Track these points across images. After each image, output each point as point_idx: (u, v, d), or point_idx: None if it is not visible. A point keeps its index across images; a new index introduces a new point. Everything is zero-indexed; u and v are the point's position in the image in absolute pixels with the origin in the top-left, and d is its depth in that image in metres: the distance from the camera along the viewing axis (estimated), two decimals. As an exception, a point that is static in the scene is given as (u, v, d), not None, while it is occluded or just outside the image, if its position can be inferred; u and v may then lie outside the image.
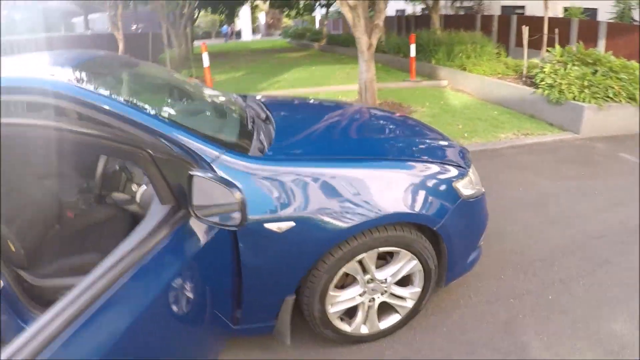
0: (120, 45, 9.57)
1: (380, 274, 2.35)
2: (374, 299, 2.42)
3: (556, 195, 4.22)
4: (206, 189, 1.69)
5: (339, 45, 18.67)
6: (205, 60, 9.51)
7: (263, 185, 2.05)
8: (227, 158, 2.01)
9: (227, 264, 2.04)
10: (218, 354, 2.12)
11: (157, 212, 1.81)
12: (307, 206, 2.08)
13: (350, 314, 2.46)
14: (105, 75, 2.42)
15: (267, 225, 2.01)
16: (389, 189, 2.23)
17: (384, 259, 2.40)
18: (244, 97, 3.41)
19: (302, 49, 22.80)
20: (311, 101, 3.75)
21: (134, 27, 21.51)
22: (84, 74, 2.11)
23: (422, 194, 2.29)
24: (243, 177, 2.00)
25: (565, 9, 12.76)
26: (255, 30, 46.23)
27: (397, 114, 3.50)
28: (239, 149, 2.15)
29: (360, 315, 2.43)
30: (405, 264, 2.36)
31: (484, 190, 2.64)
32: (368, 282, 2.35)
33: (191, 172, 1.68)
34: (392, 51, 13.07)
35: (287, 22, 41.08)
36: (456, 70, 9.28)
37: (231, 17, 29.40)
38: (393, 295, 2.45)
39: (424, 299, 2.51)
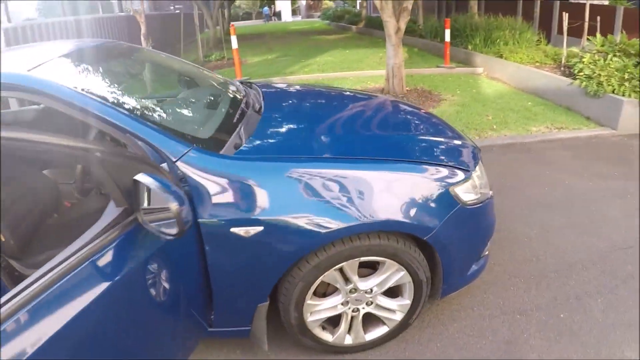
0: (143, 28, 9.48)
1: (364, 284, 2.15)
2: (358, 309, 2.22)
3: (584, 196, 3.88)
4: (152, 194, 1.54)
5: (376, 28, 18.17)
6: (234, 43, 9.37)
7: (229, 186, 1.88)
8: (193, 156, 1.87)
9: (194, 266, 1.92)
10: (188, 353, 2.03)
11: (111, 212, 1.69)
12: (277, 209, 1.89)
13: (335, 322, 2.28)
14: (91, 66, 2.36)
15: (233, 229, 1.87)
16: (371, 193, 1.99)
17: (373, 268, 2.19)
18: (249, 85, 3.24)
19: (340, 32, 22.40)
20: (322, 91, 3.52)
21: (172, 7, 21.58)
22: (68, 66, 2.15)
23: (409, 200, 2.04)
24: (207, 177, 1.86)
25: (612, -4, 11.98)
26: (295, 12, 45.90)
27: (406, 106, 3.23)
28: (210, 146, 2.00)
29: (343, 326, 2.25)
30: (392, 274, 2.15)
31: (491, 193, 2.38)
32: (351, 291, 2.15)
33: (135, 177, 1.55)
34: (429, 35, 12.60)
35: (327, 3, 40.51)
36: (492, 57, 8.81)
37: (271, -3, 29.32)
38: (380, 306, 2.24)
39: (414, 312, 2.29)
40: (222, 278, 1.98)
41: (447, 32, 9.21)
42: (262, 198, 1.89)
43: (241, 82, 3.24)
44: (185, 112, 2.50)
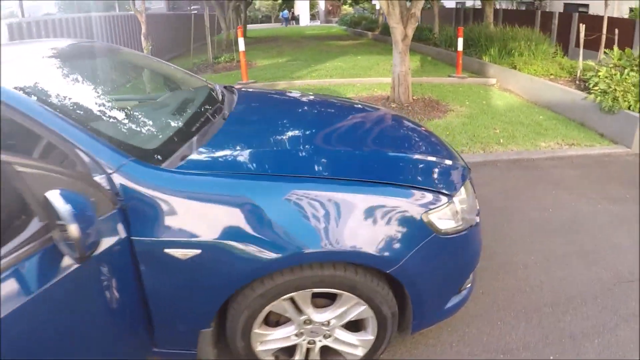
0: (143, 28, 9.29)
1: (320, 316, 1.89)
2: (314, 341, 1.96)
3: (591, 221, 3.56)
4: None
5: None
6: (241, 45, 9.20)
7: (165, 203, 1.65)
8: (130, 167, 1.65)
9: (132, 284, 1.71)
10: None
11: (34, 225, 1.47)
12: (216, 232, 1.65)
13: (291, 352, 2.03)
14: (52, 67, 2.24)
15: (167, 251, 1.66)
16: (324, 218, 1.72)
17: (333, 298, 1.91)
18: (231, 90, 3.01)
19: (356, 38, 22.17)
20: (308, 99, 3.26)
21: (189, 8, 21.57)
22: (24, 67, 2.06)
23: (370, 228, 1.76)
24: (143, 191, 1.64)
25: (631, 10, 11.54)
26: (314, 17, 45.86)
27: (396, 117, 2.95)
28: (152, 157, 1.77)
29: (297, 358, 2.00)
30: (351, 308, 1.88)
31: (477, 220, 2.10)
32: (305, 322, 1.89)
33: (45, 194, 1.36)
34: (444, 44, 12.31)
35: (347, 9, 40.30)
36: (506, 69, 8.49)
37: (290, 1, 29.14)
38: (339, 340, 1.97)
39: (379, 349, 2.01)
40: (160, 300, 1.77)
41: (460, 41, 8.91)
42: (202, 218, 1.66)
43: (225, 87, 3.00)
44: (141, 118, 2.25)
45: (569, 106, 6.31)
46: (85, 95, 2.13)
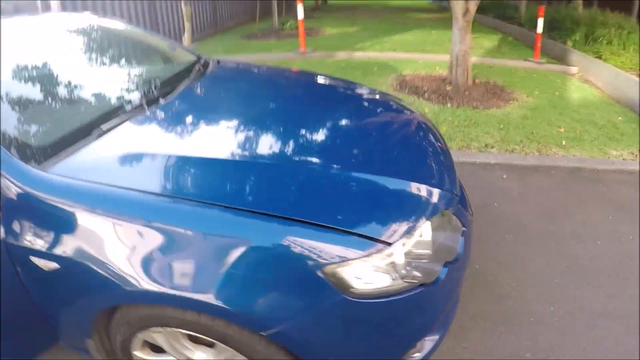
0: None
1: (200, 354, 1.56)
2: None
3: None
4: None
5: (477, 10, 16.61)
6: (300, 12, 8.72)
7: (32, 208, 1.47)
8: (8, 164, 1.49)
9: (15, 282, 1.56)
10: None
11: None
12: (78, 248, 1.43)
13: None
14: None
15: (32, 258, 1.49)
16: (189, 255, 1.35)
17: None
18: (217, 63, 2.66)
19: (439, 12, 20.85)
20: (272, 79, 2.79)
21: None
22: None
23: (237, 276, 1.32)
24: (17, 191, 1.47)
25: None
26: (403, -13, 44.06)
27: (382, 103, 2.39)
28: (33, 155, 1.54)
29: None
30: (231, 356, 1.48)
31: (438, 277, 1.52)
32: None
33: None
34: (529, 25, 11.12)
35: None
36: (590, 57, 7.40)
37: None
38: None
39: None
40: (41, 302, 1.61)
41: (540, 22, 7.86)
42: (65, 230, 1.45)
43: (203, 63, 2.64)
44: (38, 106, 1.86)
45: (656, 109, 5.32)
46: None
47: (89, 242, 1.41)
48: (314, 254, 1.31)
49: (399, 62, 8.20)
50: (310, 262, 1.31)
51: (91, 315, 1.53)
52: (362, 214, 1.47)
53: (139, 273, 1.34)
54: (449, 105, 5.67)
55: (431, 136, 2.16)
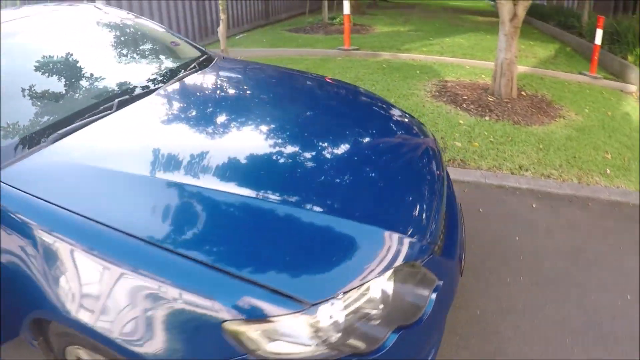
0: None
1: None
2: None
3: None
4: None
5: (537, 17, 15.88)
6: (346, 8, 8.54)
7: None
8: None
9: None
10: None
11: None
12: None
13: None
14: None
15: None
16: (95, 282, 1.27)
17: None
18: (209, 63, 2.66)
19: (498, 15, 20.14)
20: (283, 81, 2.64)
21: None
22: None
23: (138, 317, 1.22)
24: None
25: None
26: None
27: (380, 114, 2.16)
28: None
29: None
30: None
31: (383, 345, 1.30)
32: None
33: None
34: (589, 36, 10.49)
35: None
36: (652, 75, 6.89)
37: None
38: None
39: None
40: None
41: (599, 33, 7.38)
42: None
43: (204, 60, 2.56)
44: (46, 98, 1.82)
45: None
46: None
47: (17, 250, 1.38)
48: (215, 308, 1.17)
49: (444, 66, 7.89)
50: (212, 316, 1.16)
51: (23, 322, 1.52)
52: (289, 264, 1.28)
53: (53, 292, 1.30)
54: (487, 117, 5.35)
55: (428, 169, 1.93)
